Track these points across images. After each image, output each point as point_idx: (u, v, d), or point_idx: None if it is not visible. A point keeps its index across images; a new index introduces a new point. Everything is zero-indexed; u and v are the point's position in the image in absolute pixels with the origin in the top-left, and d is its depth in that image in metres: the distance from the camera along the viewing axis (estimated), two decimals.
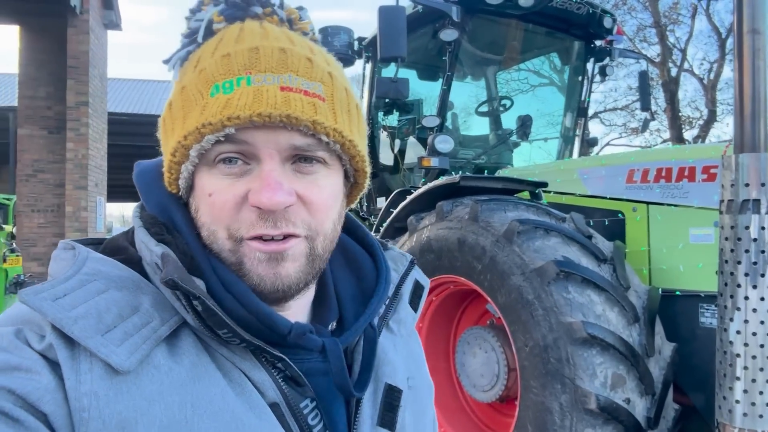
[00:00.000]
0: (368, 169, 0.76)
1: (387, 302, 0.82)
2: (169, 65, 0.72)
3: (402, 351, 0.84)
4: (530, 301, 2.49)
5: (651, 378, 2.38)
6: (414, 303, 0.89)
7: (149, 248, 0.65)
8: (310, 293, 0.76)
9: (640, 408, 2.35)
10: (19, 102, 9.30)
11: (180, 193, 0.71)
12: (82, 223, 8.96)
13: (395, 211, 3.56)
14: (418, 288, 0.90)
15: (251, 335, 0.63)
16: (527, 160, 4.72)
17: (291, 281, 0.67)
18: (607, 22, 4.20)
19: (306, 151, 0.66)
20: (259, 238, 0.65)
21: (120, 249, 0.70)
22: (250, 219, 0.64)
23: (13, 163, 10.02)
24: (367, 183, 0.78)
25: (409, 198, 3.44)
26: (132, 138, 14.75)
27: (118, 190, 19.69)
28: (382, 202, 4.45)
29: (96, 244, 0.73)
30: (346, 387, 0.70)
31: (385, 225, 3.66)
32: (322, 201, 0.68)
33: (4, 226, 13.96)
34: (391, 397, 0.77)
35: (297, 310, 0.73)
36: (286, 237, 0.66)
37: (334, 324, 0.78)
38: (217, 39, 0.69)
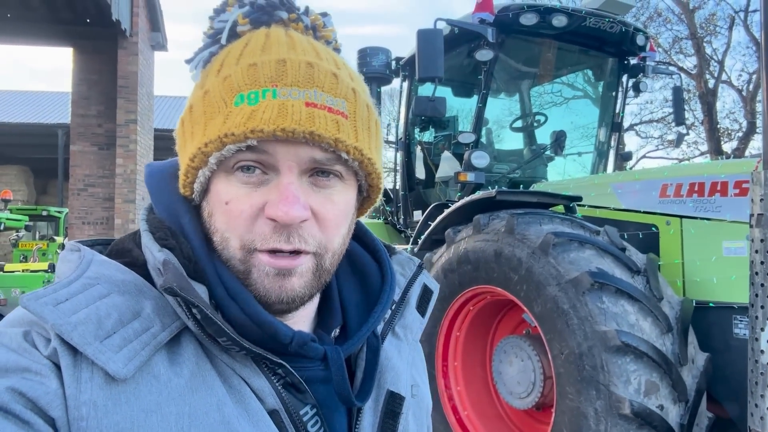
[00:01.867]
0: (382, 186, 0.75)
1: (393, 307, 0.81)
2: (191, 65, 0.71)
3: (407, 357, 0.83)
4: (566, 310, 2.59)
5: (684, 386, 2.45)
6: (422, 308, 0.87)
7: (152, 253, 0.64)
8: (314, 301, 0.76)
9: (673, 414, 2.41)
10: (72, 120, 9.76)
11: (193, 196, 0.70)
12: None
13: (433, 224, 3.68)
14: (426, 293, 0.88)
15: (252, 343, 0.62)
16: (561, 174, 4.79)
17: (296, 295, 0.66)
18: (640, 40, 4.27)
19: (324, 165, 0.66)
20: (271, 251, 0.65)
21: (125, 251, 0.69)
22: (264, 232, 0.64)
23: (63, 177, 10.46)
24: (380, 198, 0.78)
25: (446, 211, 3.56)
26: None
27: None
28: (418, 215, 4.58)
29: (104, 245, 0.73)
30: (347, 396, 0.69)
31: (423, 237, 3.78)
32: (334, 218, 0.68)
33: (55, 237, 14.58)
34: (393, 404, 0.76)
35: (300, 318, 0.73)
36: (296, 252, 0.65)
37: (337, 331, 0.78)
38: (242, 44, 0.68)
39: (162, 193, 0.73)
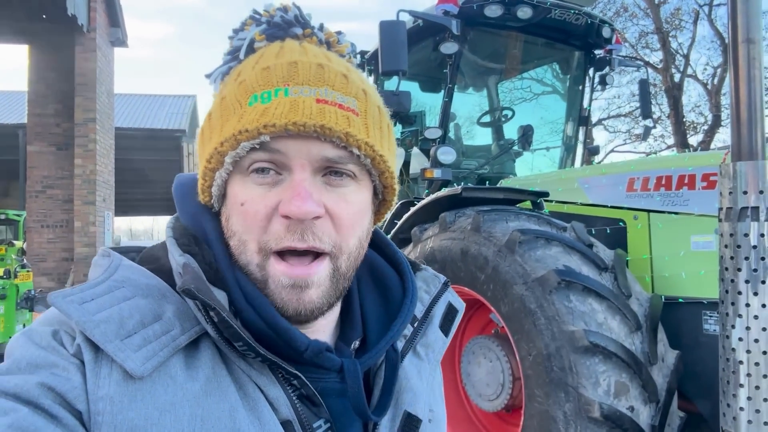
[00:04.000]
0: (397, 187, 0.75)
1: (416, 325, 0.81)
2: (211, 79, 0.74)
3: (427, 378, 0.81)
4: (533, 310, 2.51)
5: (654, 385, 2.39)
6: (445, 327, 0.85)
7: (174, 258, 0.67)
8: (335, 312, 0.76)
9: (644, 416, 2.35)
10: (28, 119, 9.43)
11: (212, 202, 0.72)
12: (90, 237, 9.04)
13: (399, 223, 3.59)
14: (451, 311, 0.87)
15: (267, 350, 0.63)
16: (530, 169, 4.74)
17: (314, 306, 0.67)
18: (605, 32, 4.23)
19: (337, 164, 0.67)
20: (286, 254, 0.65)
21: (154, 258, 0.72)
22: (279, 231, 0.65)
23: (23, 179, 10.15)
24: (395, 200, 0.78)
25: (412, 209, 3.47)
26: (139, 152, 14.89)
27: (126, 205, 19.84)
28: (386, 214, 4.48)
29: (136, 252, 0.75)
30: (363, 410, 0.69)
31: (389, 236, 3.68)
32: (349, 216, 0.68)
33: (14, 241, 14.10)
34: (410, 426, 0.75)
35: (320, 329, 0.73)
36: (312, 254, 0.66)
37: (357, 343, 0.77)
38: (258, 55, 0.71)
39: (186, 202, 0.75)
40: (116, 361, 0.58)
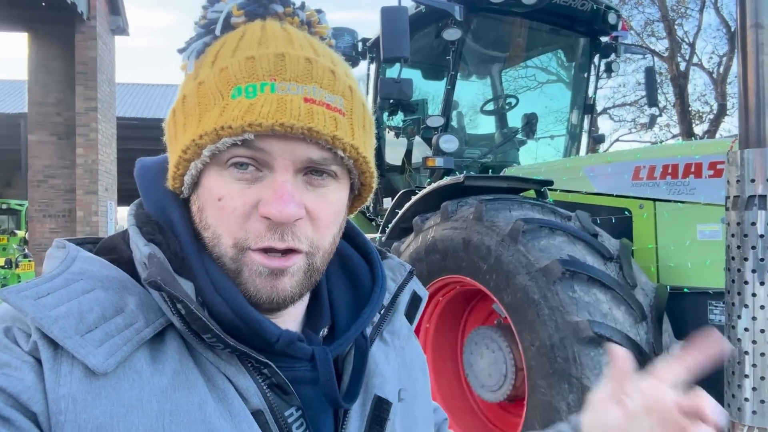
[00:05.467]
0: (374, 185, 0.75)
1: (382, 312, 0.81)
2: (184, 55, 0.70)
3: (394, 363, 0.82)
4: (536, 300, 2.48)
5: None
6: (410, 314, 0.87)
7: (138, 248, 0.64)
8: (304, 301, 0.76)
9: None
10: (28, 108, 9.40)
11: (182, 189, 0.69)
12: (93, 227, 9.05)
13: (401, 212, 3.56)
14: (415, 299, 0.88)
15: (237, 341, 0.62)
16: (534, 157, 4.70)
17: (287, 295, 0.66)
18: (611, 18, 4.18)
19: (320, 165, 0.65)
20: (264, 249, 0.64)
21: (112, 248, 0.69)
22: (258, 230, 0.64)
23: (25, 169, 10.15)
24: (370, 197, 0.78)
25: (413, 198, 3.44)
26: (141, 142, 14.87)
27: (129, 194, 19.87)
28: (388, 203, 4.46)
29: (94, 243, 0.72)
30: (335, 397, 0.69)
31: (390, 225, 3.66)
32: (328, 217, 0.68)
33: (16, 231, 14.18)
34: (380, 410, 0.75)
35: (289, 317, 0.72)
36: (289, 251, 0.65)
37: (326, 331, 0.77)
38: (237, 36, 0.68)
39: (151, 188, 0.73)
40: (77, 358, 0.55)
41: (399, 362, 0.83)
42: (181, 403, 0.59)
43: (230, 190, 0.64)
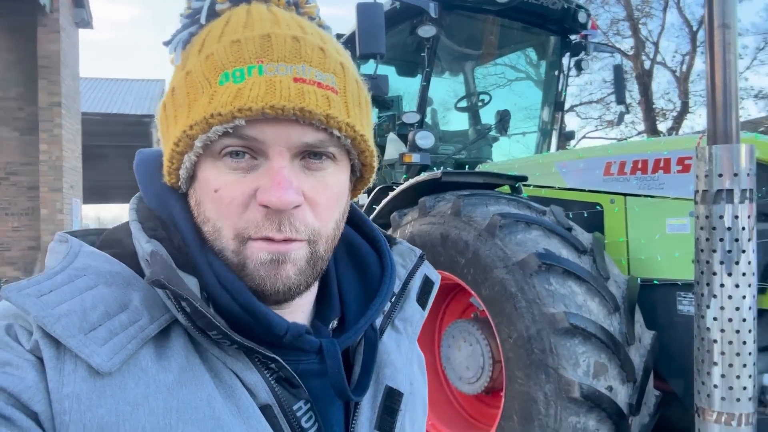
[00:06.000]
0: (375, 164, 0.73)
1: (393, 299, 0.79)
2: (170, 47, 0.68)
3: (406, 352, 0.81)
4: (513, 293, 2.53)
5: (632, 365, 2.44)
6: (422, 300, 0.85)
7: (140, 244, 0.63)
8: (312, 292, 0.74)
9: (622, 395, 2.40)
10: None
11: (179, 183, 0.68)
12: (57, 225, 8.81)
13: (378, 208, 3.57)
14: (427, 284, 0.86)
15: (245, 335, 0.61)
16: (506, 154, 4.76)
17: (291, 283, 0.64)
18: (581, 17, 4.26)
19: (317, 147, 0.63)
20: (264, 239, 0.63)
21: (116, 242, 0.67)
22: (257, 219, 0.62)
23: None
24: (373, 177, 0.76)
25: (391, 194, 3.46)
26: (107, 138, 14.55)
27: (94, 192, 19.38)
28: (364, 199, 4.46)
29: (97, 235, 0.70)
30: (343, 390, 0.68)
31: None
32: (328, 202, 0.66)
33: None
34: (392, 401, 0.74)
35: (297, 309, 0.71)
36: (288, 240, 0.63)
37: (335, 323, 0.75)
38: (223, 22, 0.65)
39: (151, 182, 0.71)
40: (81, 357, 0.54)
41: (410, 352, 0.82)
42: (189, 400, 0.58)
43: (226, 180, 0.62)
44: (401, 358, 0.78)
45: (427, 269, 0.86)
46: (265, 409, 0.63)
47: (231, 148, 0.62)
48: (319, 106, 0.61)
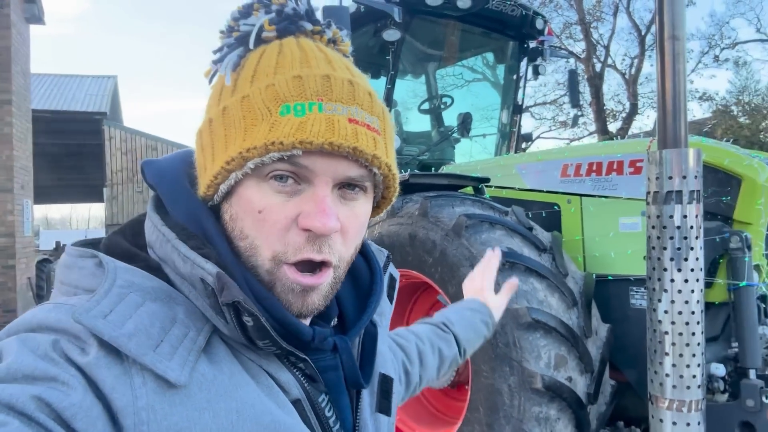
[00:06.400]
0: (394, 199, 0.79)
1: None
2: (222, 67, 0.71)
3: (385, 341, 0.91)
4: None
5: (590, 357, 2.57)
6: (390, 295, 0.94)
7: (198, 265, 0.64)
8: None
9: (581, 385, 2.53)
10: None
11: (215, 196, 0.70)
12: (8, 227, 8.48)
13: None
14: (392, 280, 0.95)
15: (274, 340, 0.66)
16: (467, 155, 4.88)
17: (315, 308, 0.70)
18: (538, 24, 4.40)
19: (357, 181, 0.69)
20: (299, 263, 0.67)
21: (134, 256, 0.70)
22: (297, 243, 0.66)
23: None
24: (387, 210, 0.82)
25: None
26: (56, 136, 14.06)
27: (42, 192, 18.66)
28: None
29: (88, 245, 0.71)
30: (358, 380, 0.76)
31: None
32: (356, 230, 0.71)
33: None
34: (386, 385, 0.83)
35: None
36: (322, 265, 0.69)
37: (335, 320, 0.82)
38: (275, 53, 0.70)
39: (179, 195, 0.72)
40: (148, 371, 0.58)
41: (388, 342, 0.93)
42: (245, 399, 0.63)
43: (271, 202, 0.66)
44: (384, 348, 0.88)
45: (391, 268, 0.95)
46: (296, 404, 0.70)
47: (279, 172, 0.66)
48: (369, 146, 0.66)
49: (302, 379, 0.71)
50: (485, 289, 1.48)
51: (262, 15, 0.71)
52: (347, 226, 0.70)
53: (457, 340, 1.27)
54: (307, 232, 0.66)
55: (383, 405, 0.82)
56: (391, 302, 0.95)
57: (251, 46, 0.71)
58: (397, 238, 3.05)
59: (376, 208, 0.80)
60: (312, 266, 0.69)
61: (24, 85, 9.19)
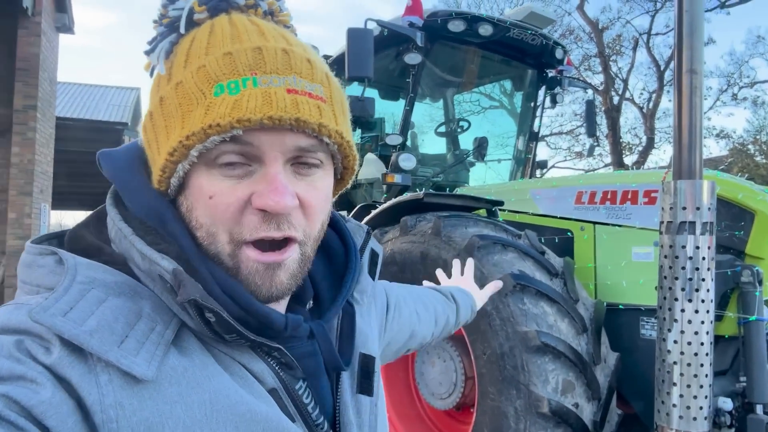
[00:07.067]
0: (356, 167, 0.76)
1: None
2: (153, 56, 0.68)
3: (367, 319, 0.87)
4: (488, 311, 2.64)
5: (597, 384, 2.56)
6: (372, 271, 0.91)
7: (155, 262, 0.63)
8: None
9: (587, 412, 2.52)
10: None
11: (169, 191, 0.68)
12: (25, 230, 8.61)
13: None
14: (374, 256, 0.92)
15: (249, 332, 0.64)
16: (482, 179, 4.92)
17: (284, 288, 0.68)
18: (558, 53, 4.47)
19: (308, 152, 0.66)
20: (259, 242, 0.65)
21: (97, 249, 0.67)
22: (253, 222, 0.64)
23: None
24: (352, 180, 0.79)
25: (374, 212, 3.55)
26: (77, 144, 14.26)
27: (61, 198, 18.92)
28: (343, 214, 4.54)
29: (52, 239, 0.70)
30: (337, 364, 0.74)
31: None
32: (318, 204, 0.69)
33: None
34: (366, 365, 0.81)
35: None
36: (285, 241, 0.66)
37: (311, 303, 0.80)
38: (206, 33, 0.67)
39: (136, 188, 0.70)
40: (114, 367, 0.56)
41: (370, 318, 0.89)
42: (217, 391, 0.61)
43: (221, 187, 0.64)
44: (365, 326, 0.85)
45: (373, 243, 0.91)
46: (272, 393, 0.68)
47: (227, 155, 0.63)
48: (312, 115, 0.64)
49: (277, 368, 0.69)
50: (469, 280, 1.61)
51: None
52: (308, 200, 0.67)
53: (458, 311, 1.38)
54: (262, 212, 0.64)
55: (364, 385, 0.80)
56: (374, 278, 0.92)
57: (182, 30, 0.68)
58: (409, 256, 3.07)
59: (341, 180, 0.78)
60: (274, 245, 0.67)
61: (50, 92, 9.42)
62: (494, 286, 1.62)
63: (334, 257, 0.82)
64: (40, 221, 9.12)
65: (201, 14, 0.68)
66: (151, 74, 0.71)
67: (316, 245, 0.72)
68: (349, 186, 0.81)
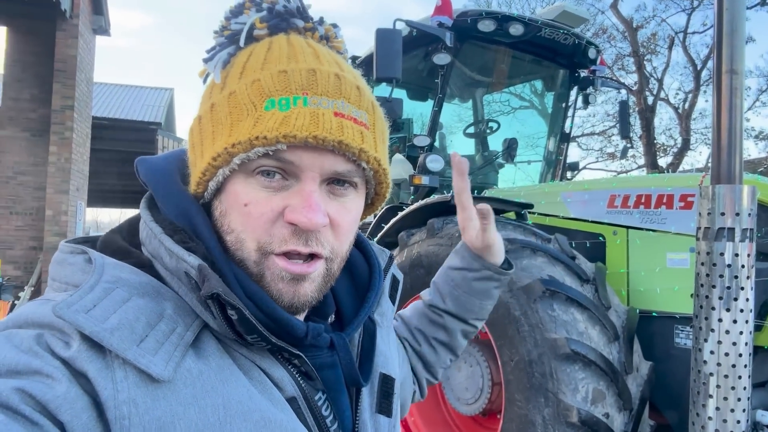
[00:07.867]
0: (388, 195, 0.78)
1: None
2: (210, 64, 0.71)
3: (386, 341, 0.88)
4: (517, 317, 2.59)
5: (629, 394, 2.48)
6: (392, 296, 0.94)
7: (182, 258, 0.65)
8: None
9: (618, 423, 2.45)
10: (2, 103, 9.19)
11: (205, 194, 0.71)
12: (61, 227, 8.85)
13: (386, 227, 3.63)
14: (394, 282, 0.95)
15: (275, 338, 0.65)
16: (510, 181, 4.85)
17: (307, 300, 0.69)
18: (591, 53, 4.37)
19: (345, 176, 0.69)
20: (287, 254, 0.67)
21: (127, 252, 0.70)
22: (283, 234, 0.66)
23: None
24: (381, 206, 0.82)
25: (401, 214, 3.53)
26: (112, 143, 14.61)
27: (96, 196, 19.42)
28: (370, 218, 4.54)
29: (86, 242, 0.72)
30: (356, 378, 0.75)
31: (375, 240, 3.73)
32: (348, 225, 0.71)
33: None
34: (387, 386, 0.82)
35: None
36: (312, 256, 0.68)
37: (333, 317, 0.82)
38: (264, 49, 0.70)
39: (170, 192, 0.73)
40: (130, 365, 0.57)
41: (389, 341, 0.90)
42: (232, 396, 0.62)
43: (257, 196, 0.66)
44: (385, 347, 0.86)
45: (394, 269, 0.95)
46: (291, 401, 0.68)
47: (265, 168, 0.66)
48: (355, 140, 0.66)
49: (297, 376, 0.70)
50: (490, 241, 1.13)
51: (253, 13, 0.72)
52: (338, 220, 0.70)
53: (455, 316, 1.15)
54: (292, 225, 0.66)
55: (384, 405, 0.80)
56: (394, 303, 0.94)
57: (242, 44, 0.71)
58: (436, 259, 3.04)
59: (370, 205, 0.80)
60: (301, 258, 0.68)
61: (87, 93, 9.66)
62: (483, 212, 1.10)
63: (358, 276, 0.84)
64: (76, 218, 9.36)
65: (261, 30, 0.71)
66: (205, 81, 0.74)
67: (342, 263, 0.74)
68: (378, 209, 0.83)
